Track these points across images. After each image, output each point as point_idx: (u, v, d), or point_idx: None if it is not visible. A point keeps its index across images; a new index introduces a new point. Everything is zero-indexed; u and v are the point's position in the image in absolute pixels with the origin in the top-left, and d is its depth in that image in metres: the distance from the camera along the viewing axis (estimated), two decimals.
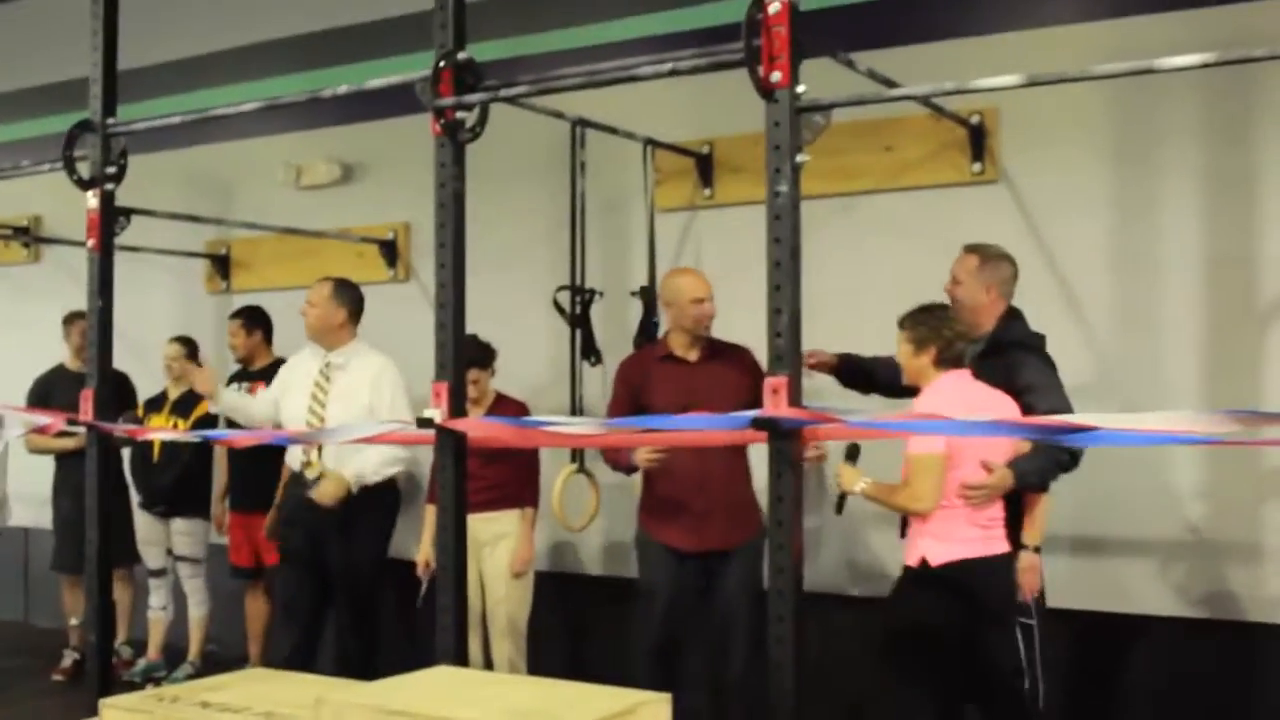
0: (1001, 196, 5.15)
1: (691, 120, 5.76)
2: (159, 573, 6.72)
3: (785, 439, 3.49)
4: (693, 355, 4.97)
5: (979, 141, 5.15)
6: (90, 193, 5.13)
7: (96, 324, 5.13)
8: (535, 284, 5.75)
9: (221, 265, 7.43)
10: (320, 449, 5.38)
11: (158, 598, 6.74)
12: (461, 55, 4.14)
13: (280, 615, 5.85)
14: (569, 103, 5.01)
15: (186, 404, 6.47)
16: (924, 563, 4.07)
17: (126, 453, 6.41)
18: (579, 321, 5.43)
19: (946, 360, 4.16)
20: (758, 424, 3.47)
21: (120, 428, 5.03)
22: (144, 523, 6.64)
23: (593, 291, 5.49)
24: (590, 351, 5.45)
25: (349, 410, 5.38)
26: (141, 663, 6.74)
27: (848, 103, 3.59)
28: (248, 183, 7.30)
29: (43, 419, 5.48)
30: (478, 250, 6.03)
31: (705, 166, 5.76)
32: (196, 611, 6.64)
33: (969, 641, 4.09)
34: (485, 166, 6.05)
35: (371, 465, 5.38)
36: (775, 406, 3.46)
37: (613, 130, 5.38)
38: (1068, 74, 3.44)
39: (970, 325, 4.33)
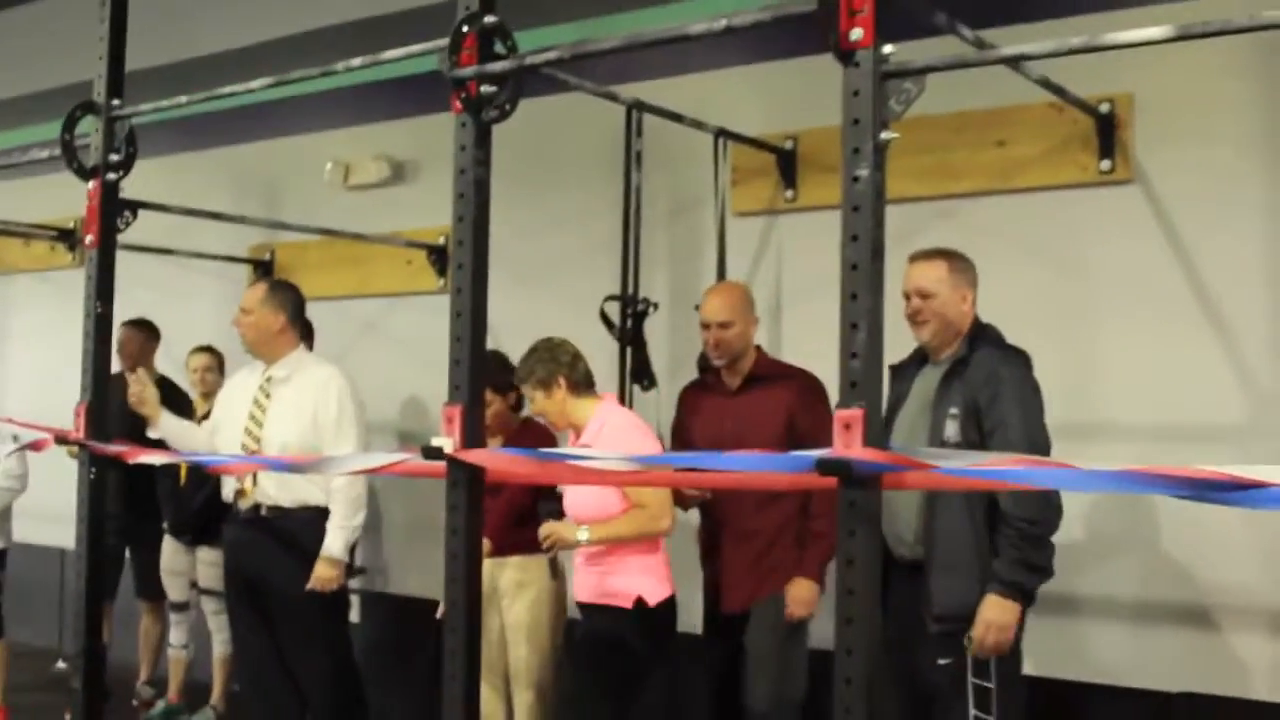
0: (1135, 199, 4.41)
1: (773, 111, 5.14)
2: (181, 607, 6.21)
3: (859, 487, 2.81)
4: (734, 382, 4.41)
5: (1108, 134, 4.42)
6: (90, 182, 4.61)
7: (94, 331, 4.60)
8: (590, 298, 5.12)
9: (266, 271, 6.92)
10: (255, 475, 4.78)
11: (178, 634, 6.24)
12: (489, 19, 3.52)
13: (246, 689, 5.25)
14: (631, 93, 4.48)
15: None
16: (640, 602, 4.04)
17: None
18: (630, 338, 4.79)
19: (580, 384, 4.21)
20: (824, 467, 2.80)
21: (112, 449, 4.48)
22: (169, 551, 6.16)
23: (646, 302, 4.85)
24: (643, 374, 4.79)
25: (290, 430, 4.81)
26: (160, 705, 6.25)
27: (945, 66, 2.91)
28: (294, 182, 6.83)
29: (38, 434, 4.97)
30: (523, 259, 5.64)
31: (788, 164, 5.10)
32: (220, 650, 6.12)
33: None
34: (536, 167, 5.51)
35: (349, 518, 4.80)
36: (847, 446, 2.78)
37: (678, 118, 4.74)
38: (1234, 22, 2.71)
39: (943, 343, 3.85)
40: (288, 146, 6.88)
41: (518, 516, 4.70)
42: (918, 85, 2.84)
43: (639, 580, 4.10)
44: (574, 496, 4.17)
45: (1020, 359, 3.80)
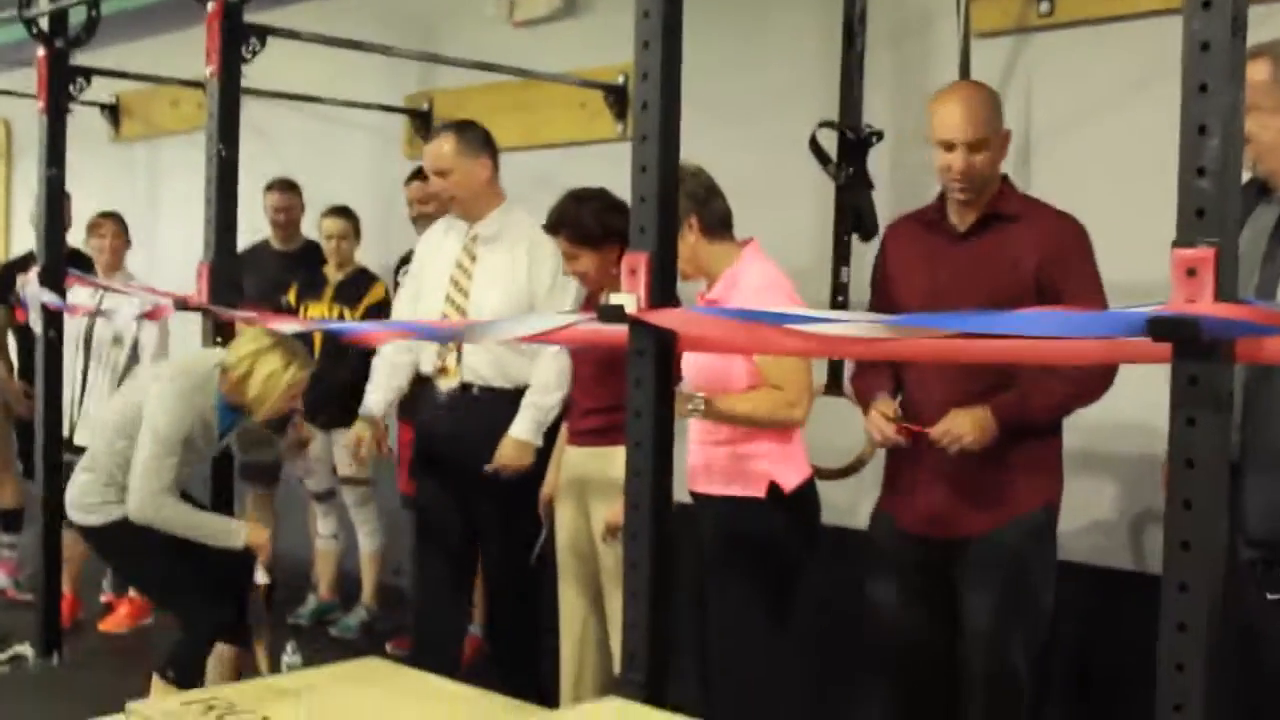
0: None
1: None
2: (327, 495, 5.70)
3: (1206, 357, 2.04)
4: (965, 221, 3.34)
5: None
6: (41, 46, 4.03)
7: (216, 178, 4.05)
8: (795, 140, 4.36)
9: (424, 123, 6.30)
10: (459, 348, 4.15)
11: (326, 525, 5.76)
12: None
13: (414, 589, 4.69)
14: None
15: (352, 289, 5.39)
16: (775, 488, 3.41)
17: None
18: (848, 175, 4.00)
19: (715, 226, 3.48)
20: (1158, 328, 2.03)
21: (239, 314, 3.92)
22: None
23: (869, 130, 4.07)
24: (864, 219, 4.01)
25: (500, 297, 4.16)
26: (312, 600, 5.79)
27: None
28: (453, 20, 6.15)
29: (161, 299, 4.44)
30: (721, 98, 4.90)
31: None
32: (368, 544, 5.67)
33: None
34: None
35: (545, 395, 4.14)
36: (1191, 298, 2.01)
37: None
38: None
39: (1273, 171, 2.91)
40: None
41: (612, 392, 3.65)
42: None
43: (770, 464, 3.41)
44: (692, 362, 3.45)
45: None
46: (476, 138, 4.36)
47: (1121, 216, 3.41)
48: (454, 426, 4.27)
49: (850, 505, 4.17)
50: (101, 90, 7.89)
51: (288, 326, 3.99)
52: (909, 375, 3.36)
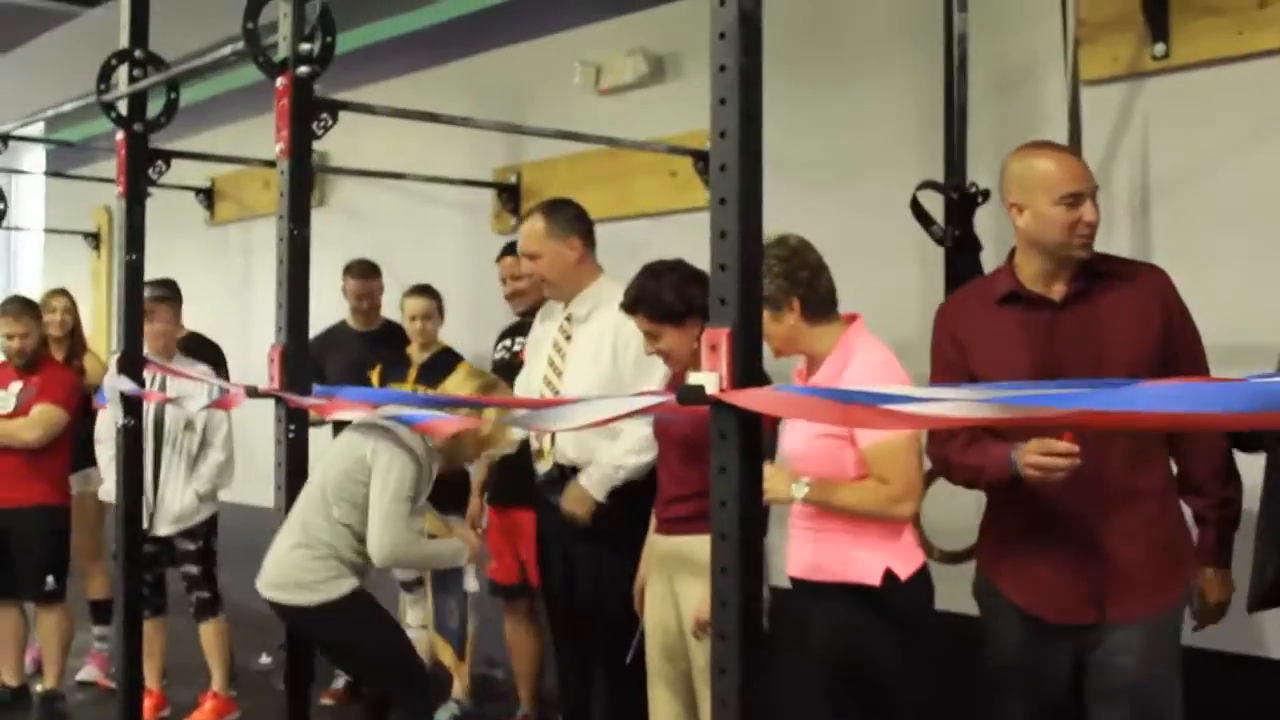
0: None
1: None
2: (415, 584, 5.51)
3: None
4: (1056, 290, 3.04)
5: None
6: (279, 79, 3.88)
7: (288, 258, 3.90)
8: (893, 202, 4.15)
9: (511, 196, 6.17)
10: (553, 434, 4.10)
11: (415, 615, 5.55)
12: None
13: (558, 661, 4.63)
14: None
15: (437, 369, 5.24)
16: (890, 576, 3.15)
17: None
18: (954, 237, 3.77)
19: (820, 306, 3.25)
20: None
21: (309, 402, 3.75)
22: None
23: (975, 189, 3.83)
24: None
25: (589, 375, 4.11)
26: None
27: None
28: (540, 91, 6.05)
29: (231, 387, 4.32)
30: (814, 161, 4.73)
31: (1157, 10, 3.92)
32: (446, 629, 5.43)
33: None
34: (828, 52, 4.65)
35: (619, 454, 4.06)
36: None
37: None
38: None
39: None
40: (530, 50, 6.12)
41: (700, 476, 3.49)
42: None
43: (884, 551, 3.16)
44: (793, 449, 3.23)
45: None
46: (566, 218, 4.34)
47: (1246, 271, 3.12)
48: (551, 507, 4.25)
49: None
50: (196, 174, 7.93)
51: (358, 413, 3.82)
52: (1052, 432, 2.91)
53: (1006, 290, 3.09)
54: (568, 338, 4.32)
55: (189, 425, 5.32)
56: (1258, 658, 3.68)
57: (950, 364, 3.16)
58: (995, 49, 4.26)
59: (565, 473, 4.24)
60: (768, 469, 3.00)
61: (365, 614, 3.90)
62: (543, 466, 4.30)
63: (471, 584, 4.38)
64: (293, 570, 3.85)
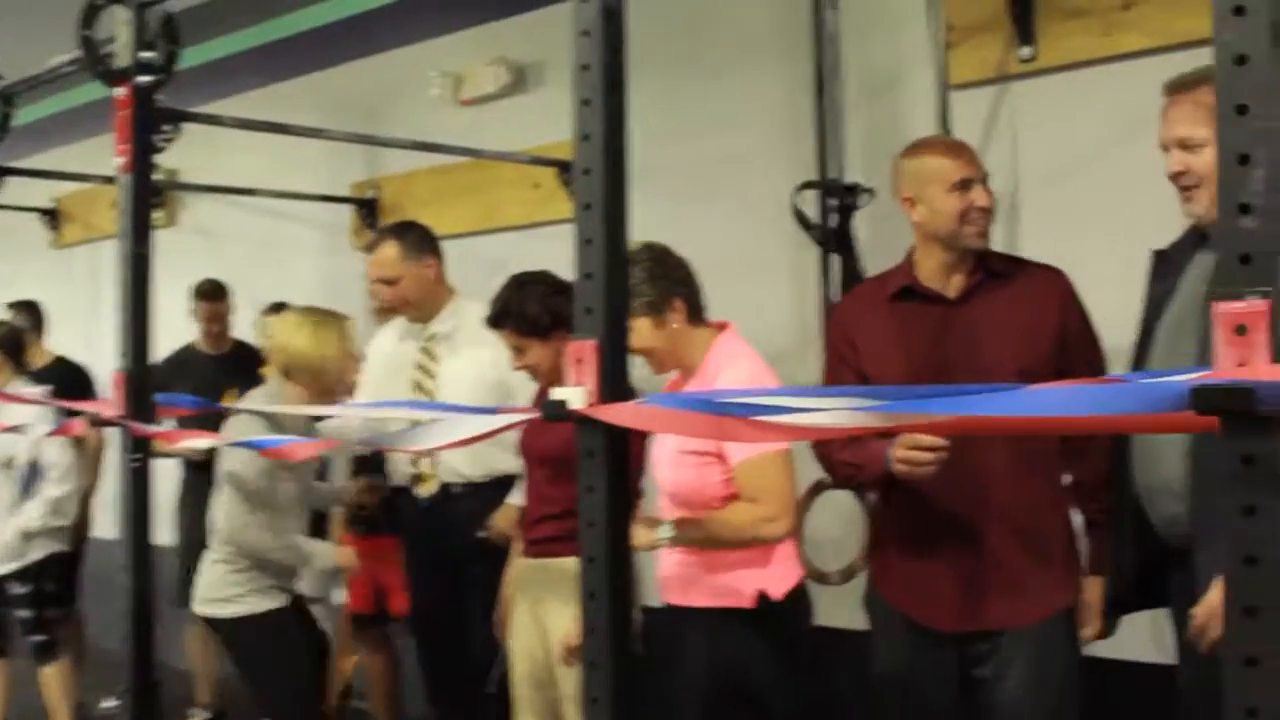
0: None
1: None
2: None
3: (1264, 433, 1.69)
4: (952, 287, 3.03)
5: None
6: (118, 89, 3.67)
7: (131, 280, 3.68)
8: (769, 206, 4.08)
9: (370, 211, 6.00)
10: (435, 456, 3.94)
11: None
12: None
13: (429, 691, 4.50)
14: None
15: None
16: (764, 598, 3.05)
17: None
18: (834, 236, 3.71)
19: (698, 309, 3.18)
20: (1204, 400, 1.69)
21: (154, 430, 3.54)
22: None
23: (856, 188, 3.78)
24: (852, 283, 3.74)
25: (472, 393, 3.98)
26: None
27: None
28: (398, 104, 5.88)
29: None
30: (682, 168, 4.62)
31: (1023, 13, 3.90)
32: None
33: None
34: (695, 54, 4.59)
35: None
36: (1243, 360, 1.68)
37: None
38: None
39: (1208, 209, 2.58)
40: (388, 62, 5.97)
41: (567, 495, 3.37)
42: None
43: (754, 572, 3.07)
44: (664, 468, 3.14)
45: None
46: (418, 237, 4.29)
47: (1114, 272, 3.09)
48: (440, 531, 4.18)
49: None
50: (39, 195, 7.64)
51: (209, 442, 3.63)
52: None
53: (900, 285, 3.06)
54: (434, 358, 4.24)
55: (7, 463, 5.03)
56: (1113, 660, 3.64)
57: (843, 361, 3.11)
58: (866, 51, 4.22)
59: (451, 492, 4.17)
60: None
61: (277, 636, 3.82)
62: (426, 490, 4.19)
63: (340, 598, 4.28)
64: (214, 583, 3.87)
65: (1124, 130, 3.73)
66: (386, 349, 4.44)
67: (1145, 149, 3.42)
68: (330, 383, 3.95)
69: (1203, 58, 2.75)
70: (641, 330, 3.06)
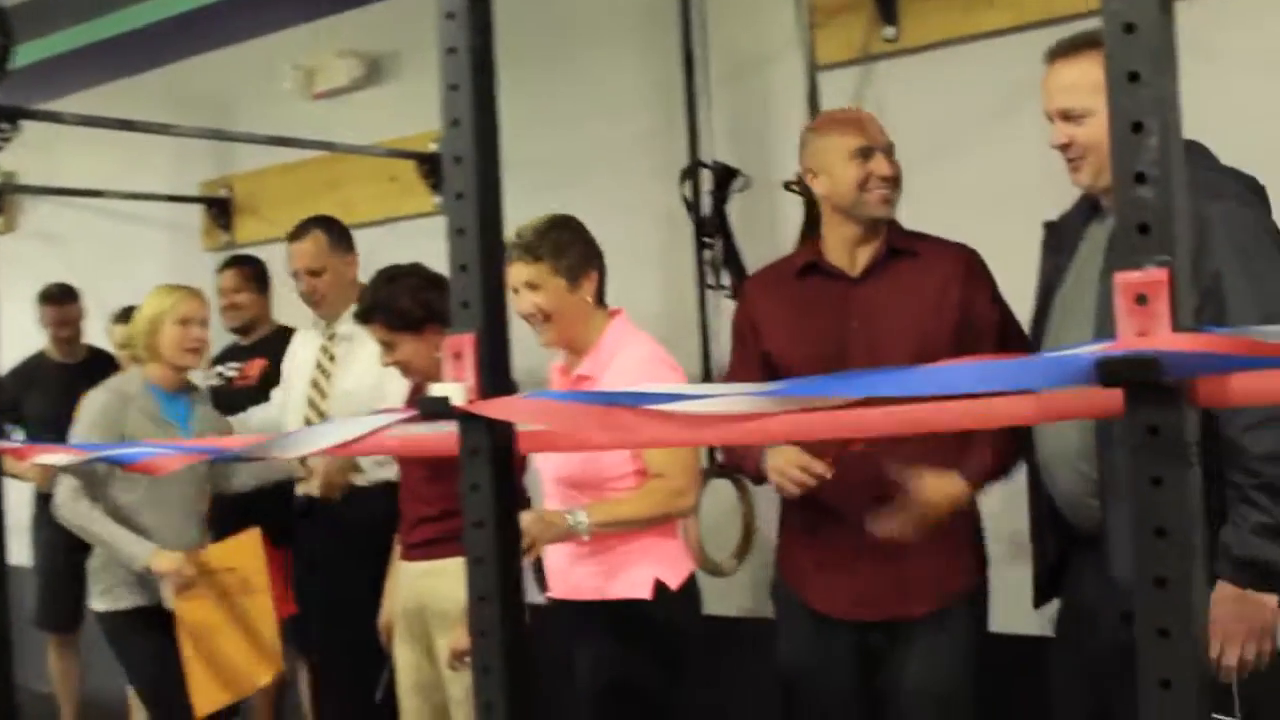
0: None
1: None
2: None
3: (1168, 403, 1.68)
4: (858, 263, 2.98)
5: None
6: None
7: None
8: (645, 193, 4.03)
9: (222, 211, 5.81)
10: (304, 460, 3.85)
11: None
12: None
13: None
14: None
15: None
16: (660, 586, 3.03)
17: None
18: (711, 223, 3.69)
19: (602, 293, 3.16)
20: (1109, 371, 1.66)
21: (4, 446, 3.37)
22: None
23: (732, 171, 3.76)
24: (732, 269, 3.71)
25: (365, 397, 3.87)
26: None
27: None
28: (249, 98, 5.70)
29: None
30: (549, 158, 4.55)
31: None
32: None
33: None
34: (560, 41, 4.49)
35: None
36: (1145, 331, 1.66)
37: None
38: None
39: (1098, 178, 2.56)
40: (237, 55, 5.78)
41: (445, 495, 3.29)
42: None
43: (651, 560, 3.05)
44: (546, 461, 3.11)
45: (1239, 185, 2.50)
46: (341, 232, 4.32)
47: (983, 251, 3.09)
48: (325, 532, 4.12)
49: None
50: None
51: (62, 458, 3.44)
52: None
53: (805, 262, 3.04)
54: (331, 358, 4.22)
55: None
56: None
57: (743, 341, 3.08)
58: (733, 34, 4.19)
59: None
60: (527, 516, 2.80)
61: (115, 639, 3.85)
62: (306, 489, 4.12)
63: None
64: (92, 574, 3.94)
65: (989, 109, 3.75)
66: (301, 350, 4.43)
67: (1014, 125, 3.46)
68: (167, 347, 3.93)
69: (1065, 34, 2.78)
70: (555, 290, 3.04)
